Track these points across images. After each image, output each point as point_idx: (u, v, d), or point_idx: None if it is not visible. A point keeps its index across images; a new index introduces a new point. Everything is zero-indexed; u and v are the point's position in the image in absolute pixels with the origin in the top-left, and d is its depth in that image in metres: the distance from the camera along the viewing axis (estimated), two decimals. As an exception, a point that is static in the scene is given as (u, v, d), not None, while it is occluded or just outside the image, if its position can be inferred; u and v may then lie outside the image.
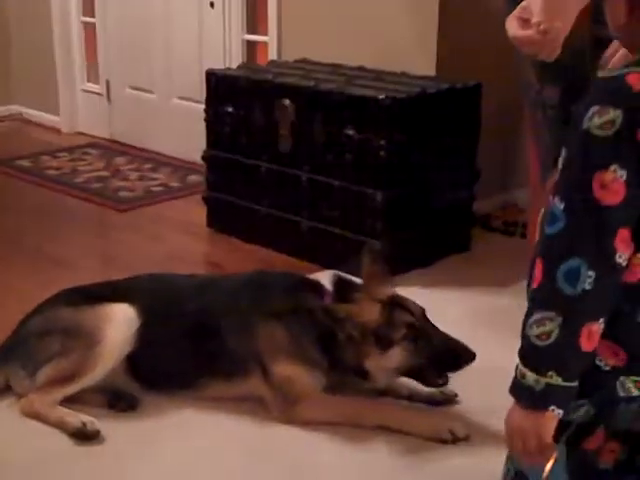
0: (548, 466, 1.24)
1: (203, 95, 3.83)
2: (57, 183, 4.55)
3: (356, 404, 2.33)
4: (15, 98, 5.85)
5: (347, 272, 2.94)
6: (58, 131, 5.60)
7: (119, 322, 2.36)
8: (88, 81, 5.56)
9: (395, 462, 2.15)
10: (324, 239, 3.40)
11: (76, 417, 2.25)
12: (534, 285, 1.17)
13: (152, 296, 2.50)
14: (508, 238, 3.68)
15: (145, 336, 2.39)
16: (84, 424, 2.23)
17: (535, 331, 1.15)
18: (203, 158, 3.87)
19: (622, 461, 1.31)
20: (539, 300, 1.15)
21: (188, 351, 2.41)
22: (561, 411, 1.16)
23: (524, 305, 1.54)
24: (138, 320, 2.38)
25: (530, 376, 1.16)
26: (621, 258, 1.10)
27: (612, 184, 1.09)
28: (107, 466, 2.15)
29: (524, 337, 1.17)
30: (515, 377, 1.20)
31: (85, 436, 2.22)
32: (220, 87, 3.72)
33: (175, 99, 4.98)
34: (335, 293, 2.35)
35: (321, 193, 3.40)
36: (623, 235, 1.10)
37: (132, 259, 3.54)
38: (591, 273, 1.10)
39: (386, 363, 2.28)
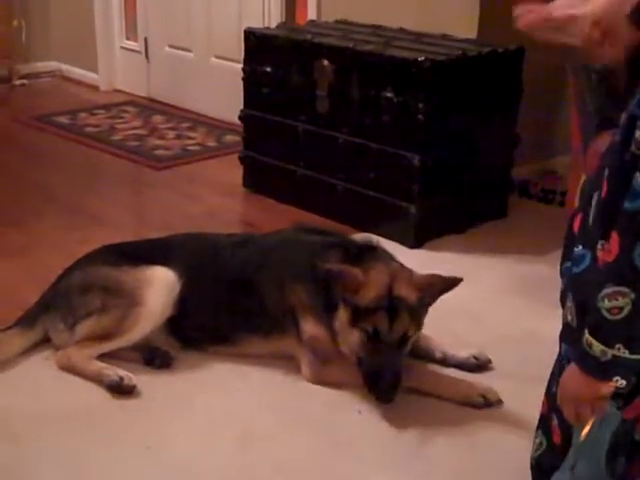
0: (586, 429, 1.24)
1: (241, 55, 3.81)
2: (95, 140, 4.57)
3: None
4: (54, 55, 5.88)
5: (381, 235, 2.95)
6: (96, 88, 5.62)
7: (161, 286, 2.39)
8: (127, 39, 5.56)
9: (424, 426, 2.16)
10: (359, 201, 3.39)
11: (114, 371, 2.29)
12: (609, 258, 1.17)
13: (191, 255, 2.52)
14: (546, 206, 3.65)
15: (184, 294, 2.42)
16: (121, 378, 2.26)
17: (606, 304, 1.16)
18: (240, 118, 3.87)
19: None
20: (613, 274, 1.16)
21: (227, 308, 2.44)
22: (624, 382, 1.18)
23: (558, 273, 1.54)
24: (179, 284, 2.40)
25: (597, 346, 1.17)
26: None
27: None
28: (141, 420, 2.18)
29: (594, 309, 1.18)
30: (581, 345, 1.21)
31: (121, 390, 2.25)
32: (258, 46, 3.70)
33: (213, 58, 4.96)
34: (356, 256, 2.31)
35: (357, 155, 3.38)
36: None
37: (168, 217, 3.56)
38: None
39: (344, 332, 2.25)
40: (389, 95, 3.22)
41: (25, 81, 5.72)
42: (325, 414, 2.22)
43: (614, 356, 1.16)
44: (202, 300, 2.44)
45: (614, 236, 1.16)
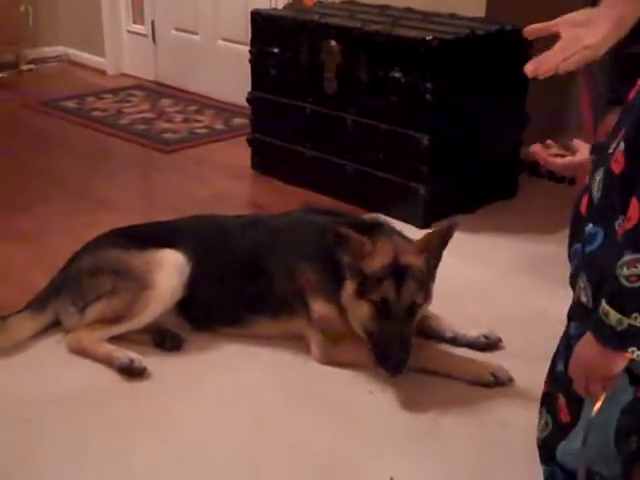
0: (598, 404, 1.23)
1: (248, 37, 3.79)
2: (102, 124, 4.56)
3: None
4: (61, 39, 5.87)
5: (390, 215, 2.94)
6: (103, 72, 5.61)
7: (170, 269, 2.39)
8: (134, 22, 5.53)
9: (435, 405, 2.16)
10: (368, 182, 3.38)
11: (124, 353, 2.29)
12: (628, 226, 1.14)
13: (200, 237, 2.52)
14: (556, 185, 3.62)
15: (194, 276, 2.42)
16: (132, 360, 2.26)
17: (625, 272, 1.13)
18: (248, 100, 3.85)
19: None
20: (632, 241, 1.13)
21: (237, 289, 2.43)
22: (638, 352, 1.16)
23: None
24: (188, 266, 2.40)
25: (614, 315, 1.15)
26: None
27: None
28: (151, 403, 2.19)
29: (612, 277, 1.15)
30: (597, 314, 1.18)
31: (132, 372, 2.26)
32: (265, 28, 3.68)
33: (220, 41, 4.94)
34: (364, 231, 2.29)
35: (366, 136, 3.37)
36: None
37: (176, 200, 3.56)
38: None
39: (352, 306, 2.25)
40: (397, 75, 3.20)
41: (32, 66, 5.71)
42: (336, 394, 2.22)
43: (630, 325, 1.14)
44: (211, 282, 2.44)
45: (634, 203, 1.13)
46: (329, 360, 2.33)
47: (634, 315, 1.13)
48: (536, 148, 1.68)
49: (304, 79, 3.56)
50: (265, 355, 2.38)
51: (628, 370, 1.22)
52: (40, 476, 1.92)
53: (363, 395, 2.21)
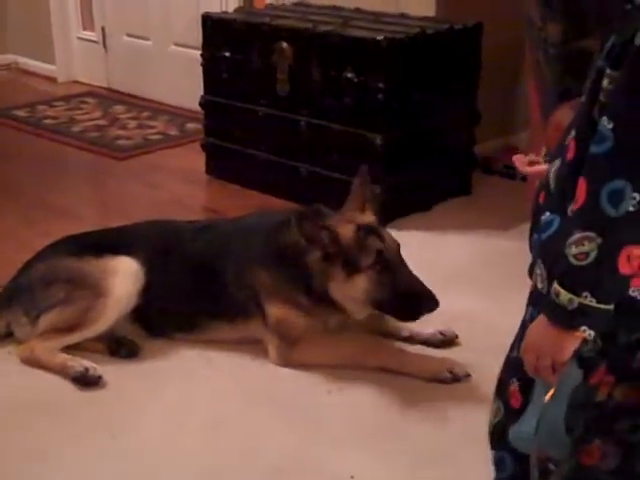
0: (551, 392, 1.23)
1: (200, 41, 3.78)
2: (54, 132, 4.51)
3: (354, 345, 2.34)
4: (10, 47, 5.78)
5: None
6: (54, 80, 5.53)
7: (125, 276, 2.37)
8: (84, 29, 5.48)
9: (394, 404, 2.16)
10: (323, 184, 3.37)
11: (78, 362, 2.26)
12: (575, 206, 1.14)
13: (154, 243, 2.50)
14: (509, 181, 3.65)
15: (149, 282, 2.40)
16: (86, 369, 2.24)
17: (573, 250, 1.12)
18: (200, 104, 3.83)
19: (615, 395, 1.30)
20: (580, 220, 1.13)
21: (192, 295, 2.42)
22: (592, 332, 1.15)
23: (525, 248, 1.54)
24: (142, 273, 2.38)
25: (564, 295, 1.14)
26: None
27: None
28: (108, 411, 2.16)
29: (562, 256, 1.14)
30: (548, 294, 1.17)
31: (87, 381, 2.23)
32: (216, 31, 3.66)
33: (172, 46, 4.91)
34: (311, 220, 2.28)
35: (320, 137, 3.37)
36: None
37: (131, 207, 3.52)
38: (636, 195, 1.08)
39: (350, 290, 2.25)
40: (349, 76, 3.20)
41: (-19, 75, 5.63)
42: (294, 396, 2.21)
43: (581, 304, 1.13)
44: (166, 288, 2.43)
45: (581, 183, 1.14)
46: (287, 362, 2.33)
47: (584, 294, 1.12)
48: (516, 158, 1.71)
49: (256, 82, 3.55)
50: (222, 360, 2.37)
51: (577, 355, 1.23)
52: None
53: (321, 396, 2.20)
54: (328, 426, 2.09)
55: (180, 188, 3.77)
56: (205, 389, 2.24)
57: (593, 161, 1.12)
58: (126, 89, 5.19)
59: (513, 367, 1.41)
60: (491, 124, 3.68)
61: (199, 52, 3.78)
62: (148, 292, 2.40)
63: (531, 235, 1.37)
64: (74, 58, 5.54)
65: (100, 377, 2.24)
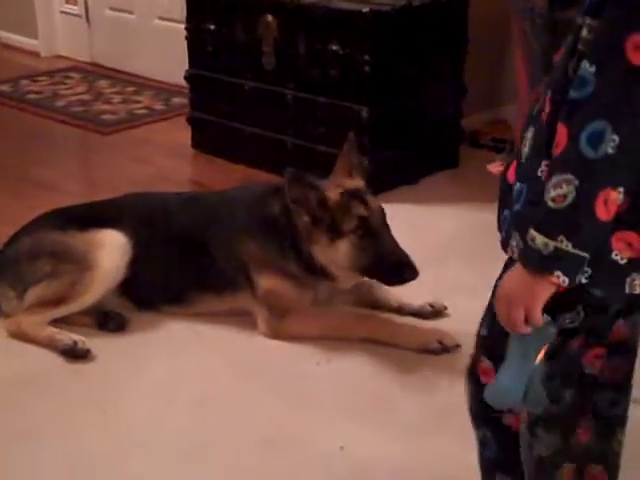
0: (542, 353, 1.22)
1: (184, 14, 3.74)
2: (38, 107, 4.47)
3: (344, 317, 2.34)
4: (-9, 22, 5.71)
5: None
6: (37, 55, 5.47)
7: (112, 249, 2.35)
8: (66, 2, 5.41)
9: (383, 375, 2.17)
10: (309, 157, 3.36)
11: (66, 336, 2.26)
12: (556, 151, 1.12)
13: (140, 215, 2.49)
14: (496, 155, 3.65)
15: (136, 255, 2.39)
16: (75, 342, 2.23)
17: (551, 194, 1.10)
18: (185, 78, 3.80)
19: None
20: (559, 164, 1.11)
21: (179, 267, 2.42)
22: (567, 279, 1.11)
23: None
24: (129, 246, 2.37)
25: (540, 239, 1.11)
26: None
27: None
28: (96, 385, 2.16)
29: (540, 201, 1.12)
30: (525, 241, 1.15)
31: (75, 354, 2.22)
32: (201, 4, 3.63)
33: (156, 19, 4.86)
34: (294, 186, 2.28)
35: (306, 110, 3.35)
36: None
37: (117, 181, 3.50)
38: (615, 137, 1.07)
39: (333, 255, 2.26)
40: (335, 48, 3.18)
41: (-37, 50, 5.56)
42: (283, 368, 2.21)
43: (556, 248, 1.10)
44: (153, 260, 2.42)
45: (560, 129, 1.12)
46: (277, 334, 2.33)
47: (560, 238, 1.10)
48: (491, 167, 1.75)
49: (242, 55, 3.52)
50: (210, 332, 2.37)
51: (551, 311, 1.21)
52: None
53: (310, 367, 2.21)
54: (317, 398, 2.09)
55: (166, 162, 3.75)
56: (193, 362, 2.24)
57: (574, 105, 1.10)
58: (110, 63, 5.14)
59: (482, 345, 1.41)
60: (479, 97, 3.67)
61: (183, 25, 3.74)
62: (135, 265, 2.39)
63: (500, 213, 1.35)
64: (57, 32, 5.48)
65: (89, 350, 2.23)
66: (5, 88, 4.78)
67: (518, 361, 1.21)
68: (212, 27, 3.58)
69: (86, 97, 4.63)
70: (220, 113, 3.67)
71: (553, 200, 1.10)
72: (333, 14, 3.18)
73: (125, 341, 2.34)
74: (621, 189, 1.09)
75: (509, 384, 1.22)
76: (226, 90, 3.62)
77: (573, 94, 1.11)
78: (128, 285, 2.41)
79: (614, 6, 1.08)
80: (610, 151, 1.07)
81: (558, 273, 1.11)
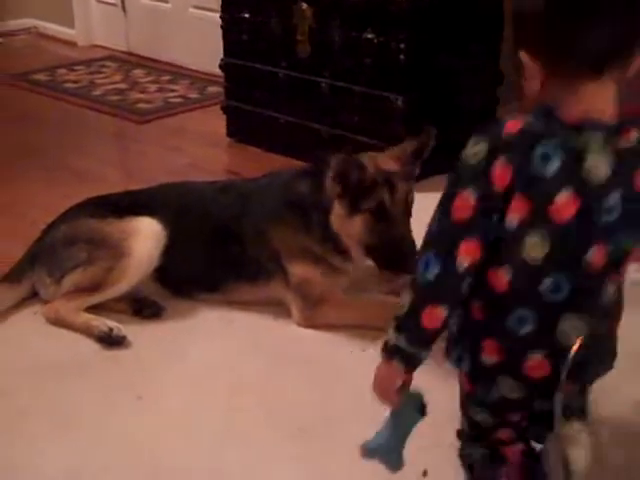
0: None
1: (219, 3, 3.75)
2: (75, 96, 4.51)
3: (378, 306, 2.33)
4: (30, 11, 5.77)
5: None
6: (74, 44, 5.53)
7: (147, 237, 2.37)
8: (103, -8, 5.46)
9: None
10: (345, 145, 3.34)
11: (102, 322, 2.28)
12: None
13: (175, 204, 2.50)
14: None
15: (171, 243, 2.41)
16: (110, 329, 2.25)
17: (401, 299, 1.37)
18: (220, 67, 3.82)
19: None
20: (410, 280, 1.38)
21: (213, 256, 2.43)
22: (402, 366, 1.39)
23: None
24: (165, 234, 2.38)
25: (390, 332, 1.39)
26: (463, 262, 1.30)
27: (464, 202, 1.30)
28: (132, 371, 2.18)
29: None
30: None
31: (111, 341, 2.25)
32: (236, -7, 3.63)
33: (191, 8, 4.88)
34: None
35: (341, 99, 3.34)
36: (469, 245, 1.29)
37: (152, 170, 3.53)
38: (437, 267, 1.31)
39: (347, 227, 2.27)
40: (370, 36, 3.17)
41: (1, 40, 5.62)
42: (316, 356, 2.22)
43: (396, 343, 1.38)
44: (188, 249, 2.43)
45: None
46: (310, 323, 2.34)
47: (401, 335, 1.37)
48: None
49: (277, 44, 3.52)
50: (245, 320, 2.38)
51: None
52: (25, 446, 1.91)
53: (344, 355, 2.21)
54: (350, 384, 2.09)
55: (201, 151, 3.76)
56: (228, 349, 2.25)
57: (425, 235, 1.35)
58: (146, 53, 5.18)
59: None
60: (515, 85, 3.63)
61: (218, 14, 3.75)
62: (170, 253, 2.41)
63: None
64: (93, 22, 5.52)
65: (124, 337, 2.26)
66: (42, 77, 4.84)
67: (390, 428, 1.48)
68: (247, 16, 3.59)
69: (122, 86, 4.67)
70: (255, 102, 3.68)
71: (401, 306, 1.37)
72: (368, 2, 3.17)
73: (161, 328, 2.36)
74: (444, 307, 1.33)
75: (381, 444, 1.50)
76: (261, 79, 3.63)
77: (429, 226, 1.36)
78: (164, 272, 2.43)
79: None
80: (431, 278, 1.32)
81: (395, 361, 1.39)
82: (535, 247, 1.30)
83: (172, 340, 2.30)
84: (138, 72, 4.93)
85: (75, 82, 4.75)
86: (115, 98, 4.46)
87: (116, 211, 2.44)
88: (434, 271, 1.31)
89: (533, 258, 1.31)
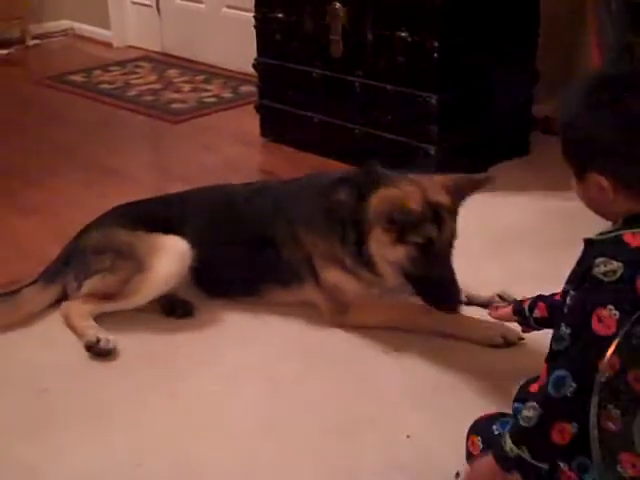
0: None
1: (253, 3, 3.75)
2: (110, 97, 4.55)
3: (409, 309, 2.31)
4: (66, 13, 5.83)
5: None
6: (109, 45, 5.58)
7: (171, 255, 2.36)
8: (138, -7, 5.49)
9: (449, 364, 2.15)
10: (378, 145, 3.34)
11: (94, 331, 2.26)
12: (540, 383, 1.44)
13: (209, 209, 2.50)
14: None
15: (205, 247, 2.40)
16: (98, 340, 2.23)
17: (524, 413, 1.42)
18: (254, 66, 3.82)
19: None
20: (533, 393, 1.45)
21: (247, 260, 2.41)
22: (521, 478, 1.43)
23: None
24: (190, 253, 2.37)
25: (509, 444, 1.44)
26: (605, 373, 1.35)
27: (607, 319, 1.36)
28: (167, 370, 2.19)
29: (518, 414, 1.46)
30: (501, 438, 1.47)
31: (97, 351, 2.22)
32: (270, -7, 3.64)
33: (225, 8, 4.90)
34: (368, 183, 2.23)
35: (374, 98, 3.33)
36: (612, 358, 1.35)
37: (187, 170, 3.55)
38: (574, 384, 1.37)
39: (387, 253, 2.19)
40: (403, 35, 3.16)
41: (38, 41, 5.69)
42: (350, 357, 2.21)
43: (518, 455, 1.42)
44: (222, 253, 2.42)
45: (544, 367, 1.45)
46: (342, 323, 2.33)
47: (523, 448, 1.42)
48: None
49: (310, 43, 3.52)
50: (278, 321, 2.38)
51: None
52: (60, 442, 1.93)
53: (377, 356, 2.20)
54: (384, 385, 2.09)
55: (235, 151, 3.77)
56: (262, 350, 2.25)
57: (553, 353, 1.43)
58: (180, 53, 5.21)
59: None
60: (551, 83, 3.59)
61: (252, 14, 3.76)
62: (205, 257, 2.39)
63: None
64: (128, 23, 5.56)
65: (111, 350, 2.23)
66: (78, 78, 4.88)
67: None
68: (280, 15, 3.59)
69: (156, 86, 4.70)
70: (288, 101, 3.68)
71: (523, 418, 1.42)
72: (402, 0, 3.15)
73: (195, 328, 2.36)
74: (575, 423, 1.38)
75: None
76: (294, 78, 3.63)
77: (554, 345, 1.43)
78: (199, 275, 2.42)
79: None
80: (568, 394, 1.37)
81: (516, 473, 1.43)
82: None
83: (206, 340, 2.31)
84: (172, 72, 4.96)
85: (110, 83, 4.79)
86: (150, 98, 4.49)
87: (148, 223, 2.43)
88: (569, 388, 1.37)
89: None
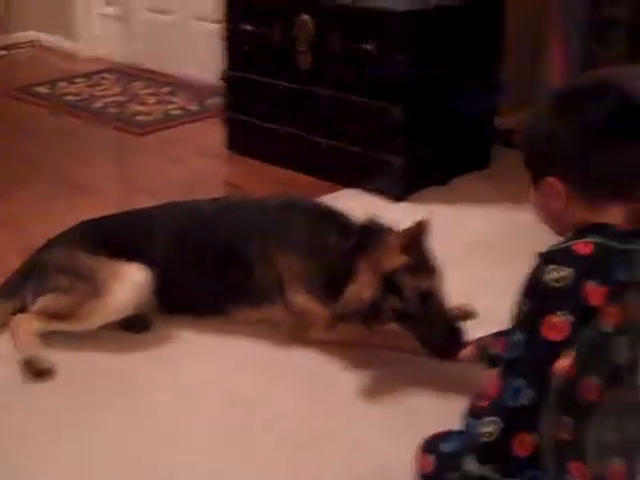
0: None
1: (221, 15, 3.76)
2: (75, 109, 4.52)
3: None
4: (32, 24, 5.80)
5: (365, 189, 2.91)
6: (75, 56, 5.55)
7: (129, 284, 2.31)
8: (106, 5, 5.47)
9: (410, 378, 2.15)
10: (344, 157, 3.36)
11: (31, 350, 2.21)
12: (492, 395, 1.43)
13: (174, 227, 2.45)
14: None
15: (173, 265, 2.38)
16: (31, 360, 2.19)
17: (483, 429, 1.41)
18: (222, 78, 3.82)
19: None
20: (488, 408, 1.43)
21: (215, 279, 2.37)
22: None
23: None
24: (150, 282, 2.34)
25: (472, 463, 1.42)
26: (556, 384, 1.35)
27: (558, 325, 1.36)
28: (124, 386, 2.15)
29: (477, 434, 1.43)
30: (458, 457, 1.46)
31: (28, 369, 2.18)
32: (237, 4, 3.64)
33: (192, 20, 4.90)
34: (359, 238, 2.21)
35: (340, 110, 3.34)
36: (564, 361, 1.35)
37: (152, 182, 3.53)
38: (530, 392, 1.37)
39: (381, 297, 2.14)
40: (369, 47, 3.18)
41: (5, 52, 5.66)
42: (310, 372, 2.19)
43: (482, 476, 1.41)
44: (189, 272, 2.39)
45: (496, 379, 1.44)
46: (298, 338, 2.31)
47: (487, 466, 1.40)
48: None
49: (278, 55, 3.53)
50: (239, 336, 2.34)
51: None
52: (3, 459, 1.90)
53: (337, 372, 2.19)
54: (343, 400, 2.07)
55: (201, 163, 3.77)
56: (221, 365, 2.23)
57: (507, 363, 1.43)
58: (147, 65, 5.20)
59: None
60: (513, 96, 3.64)
61: (219, 26, 3.76)
62: (170, 278, 2.36)
63: None
64: (95, 34, 5.54)
65: (43, 371, 2.17)
66: (43, 90, 4.85)
67: None
68: (249, 28, 3.59)
69: (122, 98, 4.68)
70: (255, 114, 3.68)
71: (484, 434, 1.40)
72: (367, 13, 3.18)
73: (151, 344, 2.32)
74: (536, 434, 1.36)
75: None
76: (261, 91, 3.63)
77: (507, 354, 1.43)
78: (164, 294, 2.38)
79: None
80: (525, 403, 1.37)
81: None
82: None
83: (165, 355, 2.27)
84: (138, 84, 4.94)
85: (76, 95, 4.76)
86: (115, 110, 4.47)
87: (111, 245, 2.38)
88: (525, 397, 1.37)
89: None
